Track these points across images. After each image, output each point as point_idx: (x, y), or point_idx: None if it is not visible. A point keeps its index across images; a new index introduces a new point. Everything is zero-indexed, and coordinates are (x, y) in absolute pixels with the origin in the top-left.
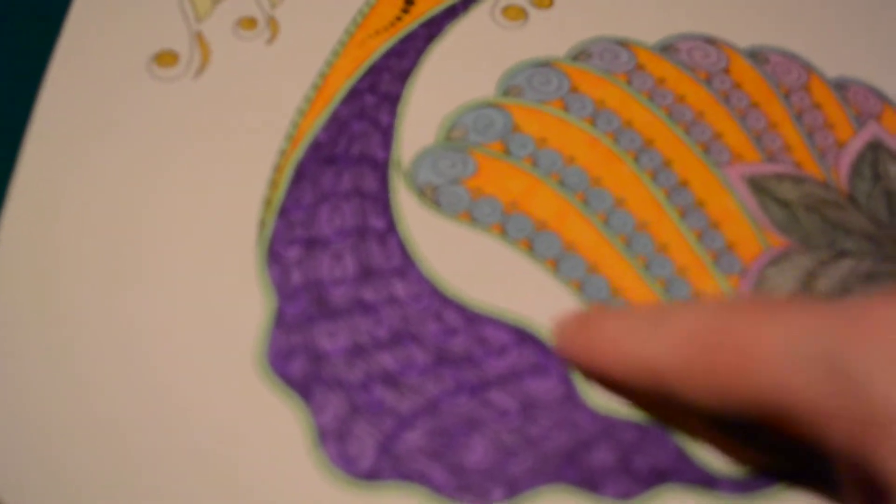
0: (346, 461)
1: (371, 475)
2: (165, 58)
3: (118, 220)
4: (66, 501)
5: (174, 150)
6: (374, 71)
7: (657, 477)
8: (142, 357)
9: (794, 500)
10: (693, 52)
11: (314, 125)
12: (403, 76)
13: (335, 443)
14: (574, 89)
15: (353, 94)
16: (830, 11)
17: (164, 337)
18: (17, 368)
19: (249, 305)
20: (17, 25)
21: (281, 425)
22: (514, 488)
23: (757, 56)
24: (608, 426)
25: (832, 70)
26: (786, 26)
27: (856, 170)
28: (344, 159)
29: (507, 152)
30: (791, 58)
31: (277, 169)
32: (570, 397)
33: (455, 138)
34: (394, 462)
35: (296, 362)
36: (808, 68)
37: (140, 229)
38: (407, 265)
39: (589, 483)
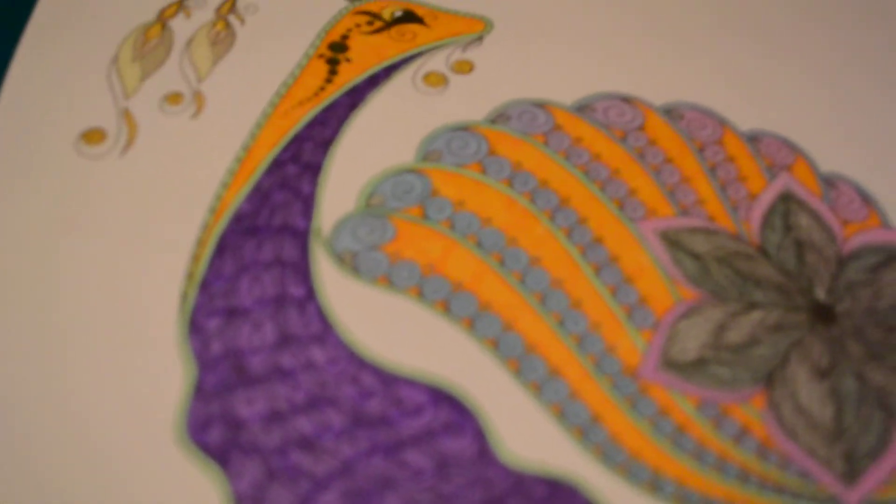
0: None
1: None
2: (93, 135)
3: (44, 292)
4: None
5: (100, 226)
6: (297, 141)
7: None
8: (62, 427)
9: None
10: (609, 111)
11: (237, 197)
12: (325, 145)
13: None
14: (492, 152)
15: (276, 165)
16: (744, 67)
17: (85, 407)
18: None
19: (170, 376)
20: None
21: (199, 494)
22: None
23: (672, 113)
24: (519, 482)
25: (745, 124)
26: (700, 83)
27: (767, 221)
28: (265, 230)
29: (426, 216)
30: (705, 113)
31: (200, 242)
32: (484, 454)
33: (374, 205)
34: None
35: (214, 430)
36: (722, 123)
37: (65, 302)
38: (325, 331)
39: None
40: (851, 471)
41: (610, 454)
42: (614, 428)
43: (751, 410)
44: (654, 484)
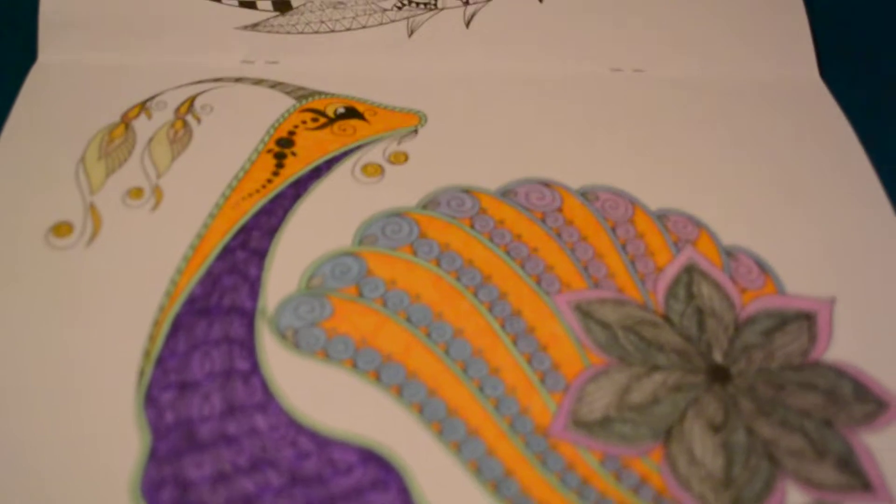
0: None
1: None
2: (62, 228)
3: (18, 368)
4: None
5: (67, 311)
6: (246, 229)
7: None
8: (32, 485)
9: None
10: (530, 195)
11: (191, 281)
12: (271, 232)
13: None
14: (422, 235)
15: (227, 251)
16: (653, 151)
17: (51, 471)
18: None
19: (127, 443)
20: None
21: None
22: None
23: (587, 195)
24: None
25: (655, 202)
26: (615, 166)
27: (671, 291)
28: (216, 310)
29: (361, 295)
30: (618, 194)
31: (156, 323)
32: None
33: (314, 285)
34: None
35: (165, 491)
36: (633, 203)
37: (31, 378)
38: (267, 400)
39: None
40: None
41: None
42: (525, 482)
43: (649, 463)
44: None
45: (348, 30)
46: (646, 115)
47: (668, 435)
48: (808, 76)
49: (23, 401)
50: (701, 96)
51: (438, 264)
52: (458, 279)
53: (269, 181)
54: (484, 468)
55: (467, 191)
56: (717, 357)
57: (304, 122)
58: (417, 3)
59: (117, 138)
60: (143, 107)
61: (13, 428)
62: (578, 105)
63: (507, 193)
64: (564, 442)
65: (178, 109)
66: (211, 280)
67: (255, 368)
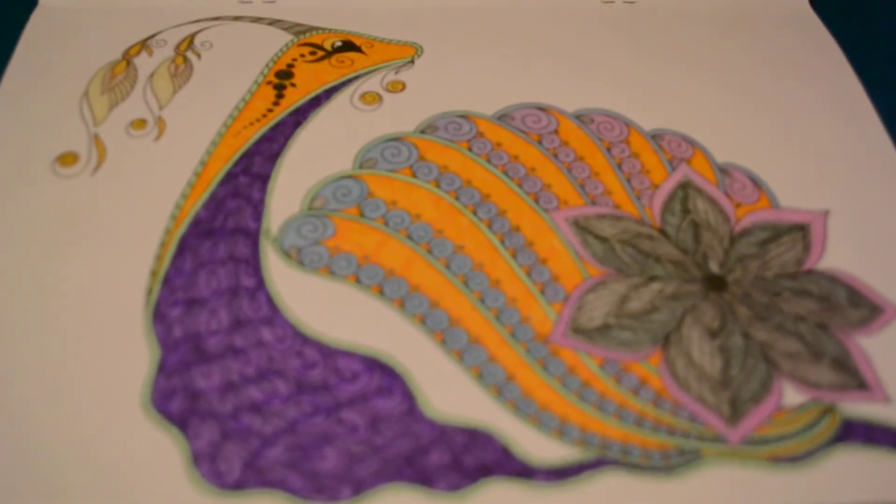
0: (216, 476)
1: (237, 486)
2: (67, 158)
3: (25, 291)
4: None
5: (75, 235)
6: (248, 155)
7: (483, 471)
8: (48, 398)
9: (600, 483)
10: (526, 119)
11: (195, 205)
12: (273, 158)
13: (207, 463)
14: (421, 158)
15: (229, 177)
16: (645, 75)
17: (67, 383)
18: None
19: (137, 357)
20: None
21: (162, 452)
22: (359, 487)
23: (582, 118)
24: (442, 433)
25: (649, 125)
26: (608, 92)
27: (667, 207)
28: (220, 232)
29: (362, 215)
30: (613, 117)
31: (163, 245)
32: (411, 411)
33: (317, 207)
34: (257, 473)
35: (175, 401)
36: (628, 125)
37: (50, 298)
38: (273, 314)
39: (424, 479)
40: (735, 413)
41: (522, 407)
42: (526, 385)
43: (648, 367)
44: (560, 430)
45: None
46: (638, 44)
47: (666, 340)
48: (798, 4)
49: (35, 322)
50: (692, 25)
51: (438, 185)
52: (458, 198)
53: (270, 110)
54: (486, 373)
55: (464, 116)
56: (713, 267)
57: (302, 56)
58: None
59: (119, 74)
60: (143, 45)
61: (27, 348)
62: (571, 35)
63: (503, 118)
64: (565, 348)
65: (178, 46)
66: (215, 203)
67: (260, 285)
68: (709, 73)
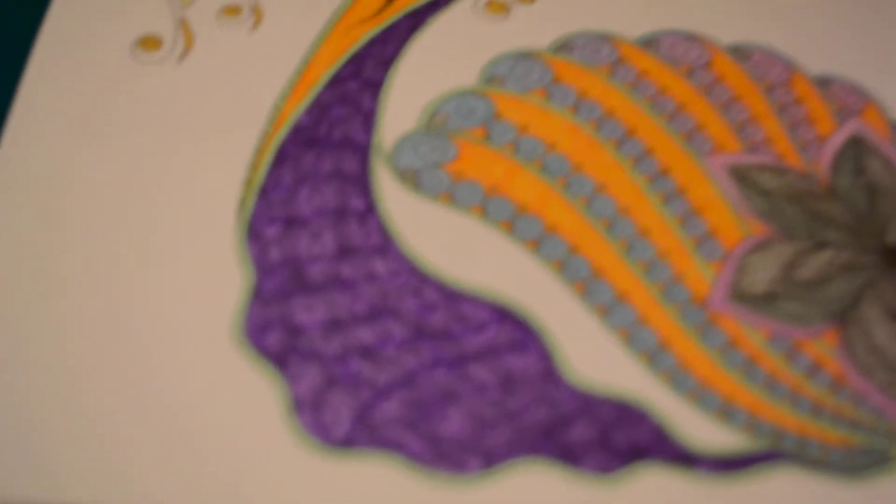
0: (320, 429)
1: (346, 443)
2: (149, 42)
3: (105, 199)
4: (36, 471)
5: (156, 133)
6: (358, 58)
7: (636, 454)
8: (122, 331)
9: (772, 481)
10: (675, 47)
11: (296, 109)
12: (386, 64)
13: (310, 412)
14: (556, 80)
15: (336, 81)
16: (815, 9)
17: (144, 310)
18: None
19: (228, 281)
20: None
21: (256, 396)
22: (490, 459)
23: (739, 52)
24: (587, 403)
25: (815, 67)
26: (769, 24)
27: (837, 164)
28: (325, 142)
29: (489, 138)
30: (774, 55)
31: (259, 151)
32: (549, 374)
33: (436, 124)
34: (369, 431)
35: (272, 335)
36: (790, 65)
37: (124, 209)
38: (386, 243)
39: (567, 456)
40: None
41: (679, 380)
42: (683, 355)
43: (823, 346)
44: (725, 412)
45: None
46: None
47: (842, 318)
48: None
49: (104, 226)
50: None
51: (575, 113)
52: (598, 130)
53: (382, 10)
54: (636, 337)
55: (604, 37)
56: (893, 238)
57: None
58: None
59: None
60: None
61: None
62: None
63: (648, 43)
64: (725, 315)
65: None
66: (319, 109)
67: (370, 207)
68: (889, 12)
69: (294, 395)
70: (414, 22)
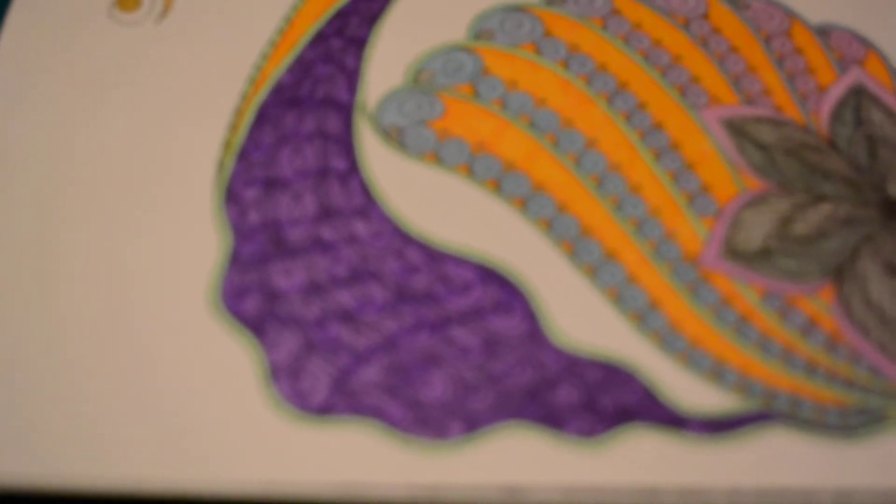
0: (298, 396)
1: (324, 410)
2: (127, 2)
3: (81, 162)
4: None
5: (133, 93)
6: (342, 15)
7: (623, 416)
8: (95, 297)
9: (764, 441)
10: None
11: (278, 68)
12: (371, 20)
13: (288, 379)
14: (547, 33)
15: (320, 38)
16: None
17: (119, 275)
18: None
19: (205, 245)
20: None
21: (232, 363)
22: (473, 424)
23: (737, 2)
24: (572, 364)
25: (815, 16)
26: None
27: (837, 115)
28: (307, 101)
29: (476, 94)
30: (772, 4)
31: (238, 112)
32: (534, 335)
33: (422, 81)
34: (348, 397)
35: (250, 300)
36: (789, 14)
37: (100, 172)
38: (368, 204)
39: (551, 420)
40: None
41: (669, 341)
42: (674, 314)
43: (818, 303)
44: (715, 372)
45: None
46: None
47: (838, 273)
48: None
49: (80, 190)
50: None
51: (566, 67)
52: (589, 84)
53: None
54: (625, 297)
55: None
56: (893, 191)
57: None
58: None
59: None
60: None
61: (78, 217)
62: None
63: None
64: (718, 273)
65: None
66: (302, 68)
67: (353, 168)
68: None
69: (271, 362)
70: None
